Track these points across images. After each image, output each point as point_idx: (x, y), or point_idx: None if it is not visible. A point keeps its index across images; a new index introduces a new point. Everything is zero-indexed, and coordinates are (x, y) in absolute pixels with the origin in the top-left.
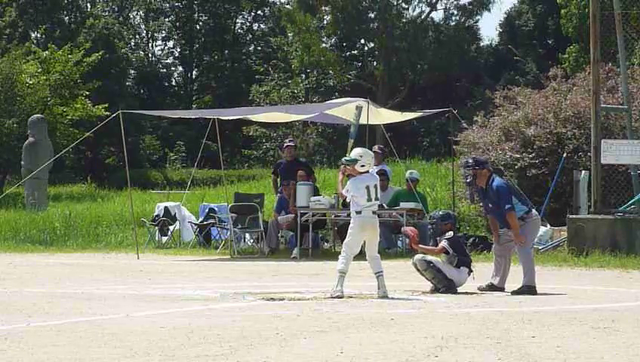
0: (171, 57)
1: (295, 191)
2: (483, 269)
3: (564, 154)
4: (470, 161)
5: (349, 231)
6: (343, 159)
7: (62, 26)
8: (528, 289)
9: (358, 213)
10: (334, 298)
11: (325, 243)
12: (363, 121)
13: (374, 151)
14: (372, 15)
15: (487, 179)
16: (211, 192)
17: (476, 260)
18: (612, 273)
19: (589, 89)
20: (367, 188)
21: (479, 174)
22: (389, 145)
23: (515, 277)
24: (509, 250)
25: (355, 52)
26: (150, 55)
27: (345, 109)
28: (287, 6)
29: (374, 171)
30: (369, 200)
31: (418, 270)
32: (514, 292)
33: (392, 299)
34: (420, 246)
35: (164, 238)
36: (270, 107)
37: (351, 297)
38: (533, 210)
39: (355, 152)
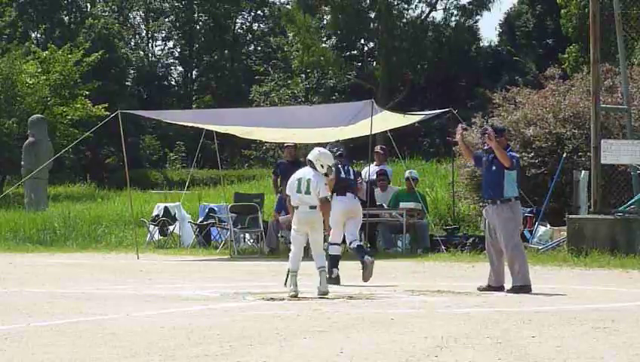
0: (171, 57)
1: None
2: (483, 269)
3: (564, 154)
4: (489, 128)
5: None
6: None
7: (61, 25)
8: (520, 287)
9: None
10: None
11: (325, 243)
12: (365, 130)
13: (376, 152)
14: (372, 15)
15: (503, 147)
16: (210, 192)
17: (476, 260)
18: (612, 273)
19: (588, 89)
20: (299, 181)
21: (502, 141)
22: (390, 145)
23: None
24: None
25: (355, 52)
26: (150, 55)
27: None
28: (287, 6)
29: (375, 171)
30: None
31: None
32: (509, 291)
33: (332, 298)
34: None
35: (162, 237)
36: (271, 111)
37: (351, 297)
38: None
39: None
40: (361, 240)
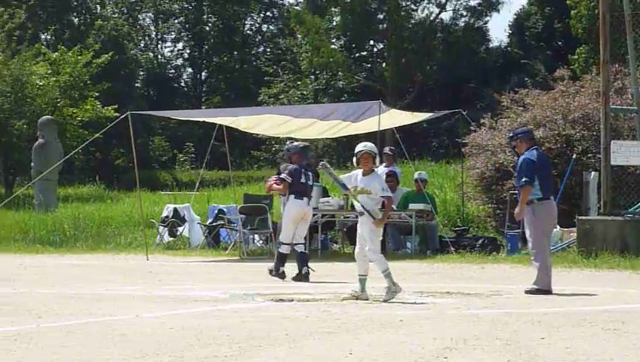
0: (180, 59)
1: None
2: (492, 271)
3: (574, 156)
4: (511, 133)
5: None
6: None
7: (71, 27)
8: (537, 291)
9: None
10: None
11: (334, 245)
12: (370, 126)
13: (385, 153)
14: (381, 16)
15: (524, 150)
16: (220, 193)
17: (485, 261)
18: (622, 274)
19: (597, 90)
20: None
21: (517, 145)
22: (399, 147)
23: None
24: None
25: (365, 53)
26: (159, 56)
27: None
28: (296, 7)
29: (384, 172)
30: None
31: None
32: (526, 291)
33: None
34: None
35: (171, 239)
36: (280, 109)
37: (358, 298)
38: (550, 199)
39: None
40: (306, 249)
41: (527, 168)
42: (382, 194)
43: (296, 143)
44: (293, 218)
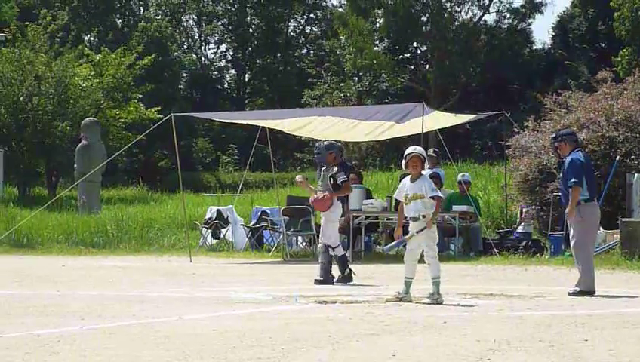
0: (224, 60)
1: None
2: (536, 272)
3: (617, 158)
4: (555, 134)
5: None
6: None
7: (115, 29)
8: (581, 292)
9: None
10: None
11: (377, 246)
12: (414, 127)
13: (429, 155)
14: (424, 18)
15: (568, 151)
16: (263, 195)
17: (529, 263)
18: None
19: None
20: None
21: (560, 147)
22: (442, 148)
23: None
24: None
25: (408, 55)
26: (203, 58)
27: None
28: (340, 9)
29: (427, 174)
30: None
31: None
32: (570, 293)
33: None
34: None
35: (215, 241)
36: (324, 110)
37: (401, 300)
38: (594, 201)
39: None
40: (346, 250)
41: (575, 168)
42: (431, 194)
43: (326, 142)
44: (338, 218)
